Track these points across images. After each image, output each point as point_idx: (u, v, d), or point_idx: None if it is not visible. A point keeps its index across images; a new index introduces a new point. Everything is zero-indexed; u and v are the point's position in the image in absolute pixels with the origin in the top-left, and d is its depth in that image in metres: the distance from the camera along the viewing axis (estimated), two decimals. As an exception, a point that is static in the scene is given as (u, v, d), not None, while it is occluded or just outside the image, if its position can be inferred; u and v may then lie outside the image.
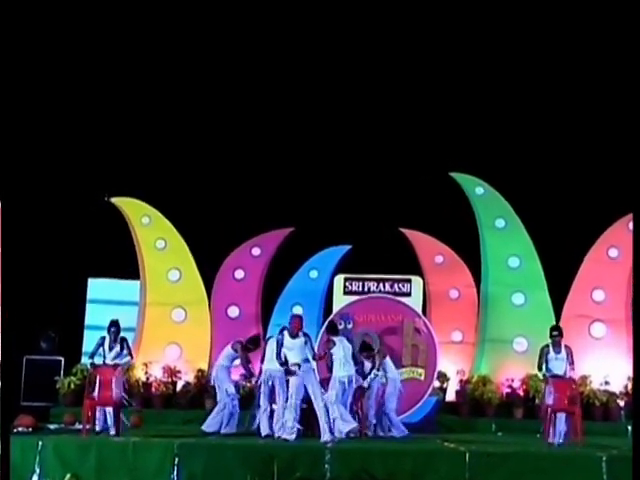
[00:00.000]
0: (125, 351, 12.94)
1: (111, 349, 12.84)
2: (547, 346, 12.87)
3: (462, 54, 17.72)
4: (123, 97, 17.73)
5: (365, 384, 13.35)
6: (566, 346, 12.88)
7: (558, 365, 12.71)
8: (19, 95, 16.47)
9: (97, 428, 12.55)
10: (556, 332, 12.93)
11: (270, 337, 13.82)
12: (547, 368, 12.78)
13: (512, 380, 16.22)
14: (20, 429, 12.65)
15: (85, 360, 14.76)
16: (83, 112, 17.68)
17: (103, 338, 12.93)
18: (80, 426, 12.62)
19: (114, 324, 13.03)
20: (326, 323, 14.85)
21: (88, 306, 17.18)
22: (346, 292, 16.29)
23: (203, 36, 17.94)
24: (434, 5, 17.68)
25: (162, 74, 17.83)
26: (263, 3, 17.85)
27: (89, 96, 17.70)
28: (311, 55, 17.89)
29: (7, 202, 10.14)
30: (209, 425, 13.18)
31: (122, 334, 13.11)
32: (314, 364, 12.75)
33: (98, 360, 12.84)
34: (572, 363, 12.80)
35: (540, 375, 13.37)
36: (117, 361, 12.78)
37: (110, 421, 12.47)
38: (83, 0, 17.25)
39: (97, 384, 12.50)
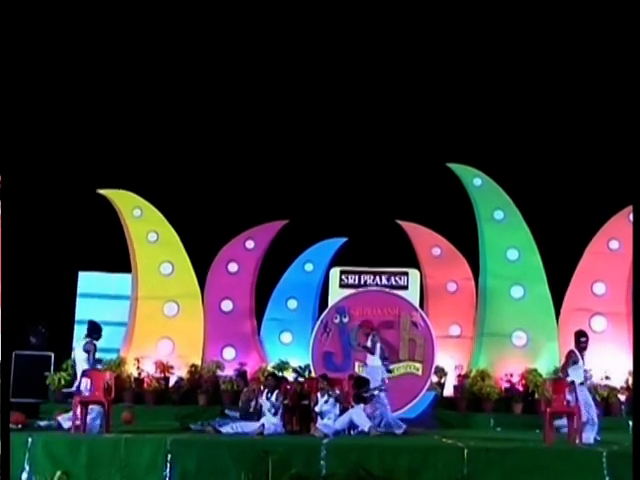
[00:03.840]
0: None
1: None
2: (573, 352, 12.47)
3: (459, 45, 17.78)
4: (114, 89, 17.76)
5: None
6: None
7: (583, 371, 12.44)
8: (12, 88, 16.53)
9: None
10: (585, 338, 12.49)
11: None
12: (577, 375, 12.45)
13: (511, 375, 16.27)
14: (10, 426, 12.63)
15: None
16: (74, 104, 17.68)
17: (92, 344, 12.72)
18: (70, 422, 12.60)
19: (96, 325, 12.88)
20: None
21: (78, 300, 17.16)
22: (342, 285, 16.38)
23: (194, 28, 17.95)
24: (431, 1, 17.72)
25: (154, 66, 17.88)
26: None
27: (81, 88, 17.72)
28: (307, 46, 17.91)
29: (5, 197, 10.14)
30: None
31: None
32: None
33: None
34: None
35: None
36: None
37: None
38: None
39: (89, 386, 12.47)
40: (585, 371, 12.56)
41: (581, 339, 12.60)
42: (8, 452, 9.28)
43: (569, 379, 12.55)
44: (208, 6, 18.01)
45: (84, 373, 12.45)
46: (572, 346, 12.53)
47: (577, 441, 11.79)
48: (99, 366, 12.88)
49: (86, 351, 12.56)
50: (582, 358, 12.44)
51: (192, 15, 17.96)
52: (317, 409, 12.77)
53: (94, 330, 12.81)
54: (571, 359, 12.63)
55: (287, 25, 17.95)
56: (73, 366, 13.14)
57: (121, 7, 17.57)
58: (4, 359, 8.47)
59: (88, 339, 12.67)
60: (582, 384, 12.39)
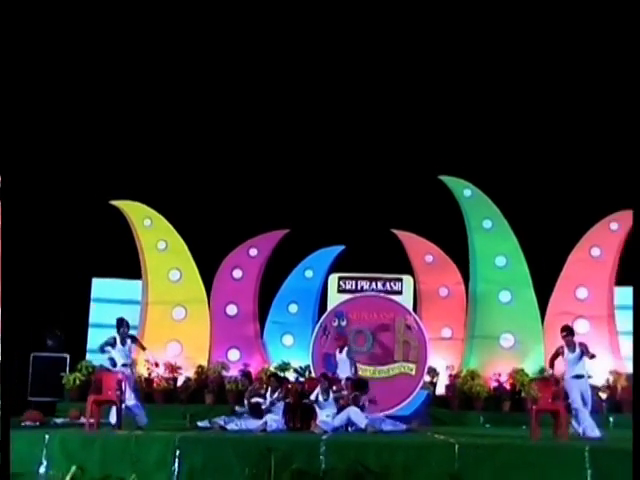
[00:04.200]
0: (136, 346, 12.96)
1: (123, 345, 12.76)
2: (562, 347, 12.54)
3: (451, 66, 17.73)
4: (126, 105, 17.74)
5: None
6: (580, 344, 12.51)
7: (579, 365, 12.34)
8: (28, 103, 16.60)
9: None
10: (564, 333, 12.56)
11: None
12: (568, 370, 12.43)
13: (499, 375, 16.31)
14: (28, 423, 12.69)
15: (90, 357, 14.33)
16: (89, 121, 17.66)
17: (114, 338, 12.83)
18: (85, 420, 12.63)
19: (124, 320, 12.97)
20: None
21: (92, 305, 17.17)
22: (340, 291, 16.40)
23: (204, 43, 17.94)
24: (424, 14, 17.68)
25: (164, 82, 17.83)
26: (263, 10, 17.82)
27: (95, 106, 17.69)
28: (307, 63, 17.91)
29: (13, 206, 10.17)
30: None
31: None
32: None
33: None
34: (592, 357, 12.39)
35: (547, 373, 13.22)
36: (129, 360, 12.75)
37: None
38: (90, 6, 17.17)
39: (102, 387, 12.56)
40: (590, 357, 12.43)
41: (562, 333, 12.65)
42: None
43: (549, 372, 12.58)
44: (218, 25, 17.94)
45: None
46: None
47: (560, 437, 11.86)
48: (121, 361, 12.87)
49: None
50: (572, 352, 12.38)
51: (204, 32, 17.90)
52: (312, 397, 12.87)
53: (117, 325, 12.86)
54: (556, 353, 12.69)
55: (287, 44, 17.91)
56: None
57: (132, 16, 17.46)
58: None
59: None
60: (577, 377, 12.31)
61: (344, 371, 14.11)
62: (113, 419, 12.43)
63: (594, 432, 12.12)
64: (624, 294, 16.66)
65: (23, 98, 16.75)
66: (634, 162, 9.97)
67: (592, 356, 12.48)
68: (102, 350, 12.81)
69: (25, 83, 16.60)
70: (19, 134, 16.45)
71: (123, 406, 12.37)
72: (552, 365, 12.75)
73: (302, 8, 17.70)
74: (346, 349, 14.48)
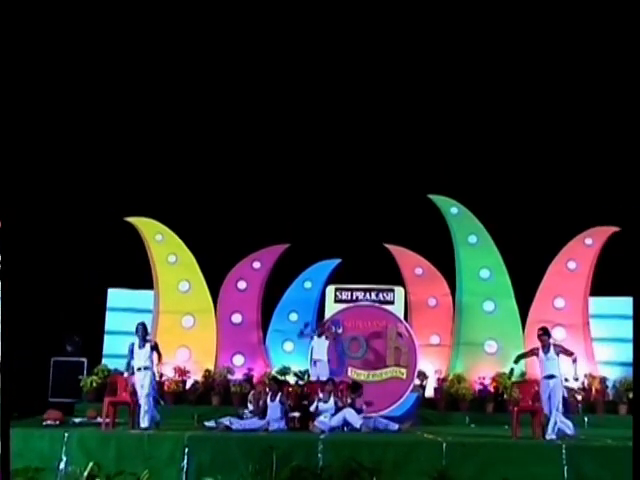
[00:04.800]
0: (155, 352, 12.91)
1: (140, 348, 12.79)
2: (537, 348, 12.56)
3: (438, 94, 17.73)
4: (142, 131, 17.78)
5: None
6: (555, 345, 12.50)
7: (549, 365, 12.26)
8: (54, 130, 16.69)
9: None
10: (540, 332, 12.58)
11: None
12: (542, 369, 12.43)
13: (483, 378, 16.30)
14: (49, 422, 12.72)
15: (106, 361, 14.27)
16: (109, 148, 17.69)
17: (132, 344, 12.86)
18: (101, 419, 12.67)
19: (141, 325, 13.00)
20: None
21: (108, 313, 17.14)
22: (337, 301, 16.41)
23: (220, 62, 17.95)
24: (411, 36, 17.70)
25: (173, 104, 17.81)
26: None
27: (114, 131, 17.77)
28: (302, 85, 17.87)
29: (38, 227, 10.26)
30: None
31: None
32: None
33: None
34: (571, 354, 12.41)
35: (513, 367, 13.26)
36: (148, 363, 12.73)
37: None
38: (104, 20, 17.15)
39: (117, 389, 12.62)
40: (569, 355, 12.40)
41: (538, 332, 12.66)
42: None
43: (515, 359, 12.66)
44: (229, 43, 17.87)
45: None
46: None
47: (539, 436, 11.90)
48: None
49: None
50: (545, 353, 12.33)
51: (209, 52, 17.90)
52: (312, 409, 12.89)
53: (136, 329, 12.92)
54: (530, 352, 12.74)
55: (284, 69, 17.95)
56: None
57: (149, 33, 17.40)
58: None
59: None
60: (548, 377, 12.24)
61: (320, 353, 14.32)
62: (144, 423, 12.42)
63: (569, 429, 12.10)
64: (598, 304, 16.76)
65: (48, 123, 16.95)
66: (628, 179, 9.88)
67: (574, 359, 12.48)
68: (129, 365, 12.81)
69: (46, 103, 16.73)
70: (45, 160, 16.68)
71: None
72: (520, 358, 12.84)
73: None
74: (324, 335, 14.90)
